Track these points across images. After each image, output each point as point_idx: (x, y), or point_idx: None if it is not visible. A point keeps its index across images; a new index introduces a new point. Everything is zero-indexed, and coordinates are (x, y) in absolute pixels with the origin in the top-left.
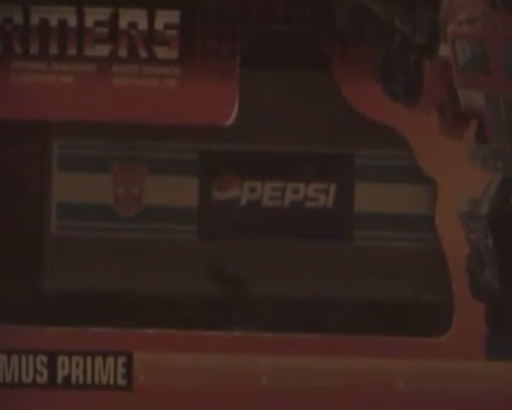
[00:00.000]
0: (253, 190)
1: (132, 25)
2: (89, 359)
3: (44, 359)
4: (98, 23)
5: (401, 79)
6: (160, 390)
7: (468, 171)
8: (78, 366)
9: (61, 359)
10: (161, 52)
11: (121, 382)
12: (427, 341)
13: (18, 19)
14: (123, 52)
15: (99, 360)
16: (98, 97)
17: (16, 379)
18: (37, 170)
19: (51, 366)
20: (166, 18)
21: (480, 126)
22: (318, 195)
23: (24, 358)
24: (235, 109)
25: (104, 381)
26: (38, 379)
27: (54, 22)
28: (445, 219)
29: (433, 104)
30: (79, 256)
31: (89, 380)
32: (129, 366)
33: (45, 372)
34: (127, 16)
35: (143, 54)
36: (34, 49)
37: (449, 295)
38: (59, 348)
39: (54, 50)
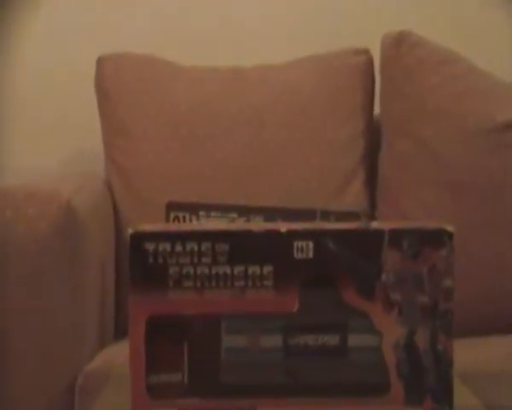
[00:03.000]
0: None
1: (253, 272)
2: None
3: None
4: (239, 272)
5: (366, 291)
6: None
7: (394, 328)
8: None
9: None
10: (265, 282)
11: None
12: (380, 398)
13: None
14: (250, 284)
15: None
16: (238, 306)
17: None
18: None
19: None
20: (266, 269)
21: (399, 310)
22: (335, 338)
23: None
24: (297, 305)
25: None
26: None
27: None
28: (386, 348)
29: (379, 299)
30: (234, 367)
31: None
32: None
33: None
34: (250, 268)
35: (258, 284)
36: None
37: (389, 378)
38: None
39: (221, 284)
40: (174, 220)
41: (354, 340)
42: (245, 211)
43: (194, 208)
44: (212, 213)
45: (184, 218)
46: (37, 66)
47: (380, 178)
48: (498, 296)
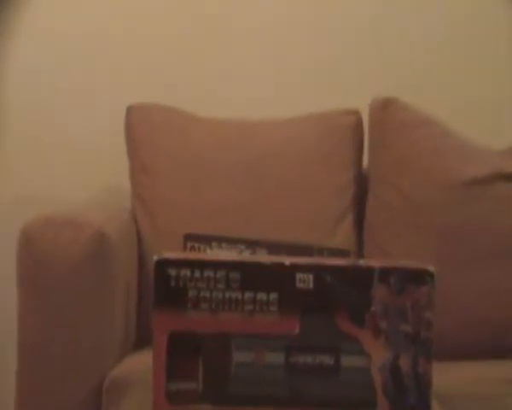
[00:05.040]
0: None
1: (261, 298)
2: None
3: None
4: (249, 297)
5: (358, 319)
6: None
7: (381, 352)
8: None
9: None
10: (271, 307)
11: None
12: None
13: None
14: (258, 309)
15: None
16: (247, 327)
17: None
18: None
19: None
20: (272, 296)
21: (385, 336)
22: (330, 359)
23: None
24: (298, 328)
25: None
26: None
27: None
28: (374, 369)
29: (369, 327)
30: (242, 379)
31: None
32: None
33: None
34: (258, 295)
35: (265, 308)
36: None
37: (376, 396)
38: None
39: (233, 307)
40: (191, 249)
41: (346, 361)
42: (251, 244)
43: (207, 240)
44: (223, 245)
45: (199, 247)
46: (67, 120)
47: (366, 222)
48: (471, 326)
